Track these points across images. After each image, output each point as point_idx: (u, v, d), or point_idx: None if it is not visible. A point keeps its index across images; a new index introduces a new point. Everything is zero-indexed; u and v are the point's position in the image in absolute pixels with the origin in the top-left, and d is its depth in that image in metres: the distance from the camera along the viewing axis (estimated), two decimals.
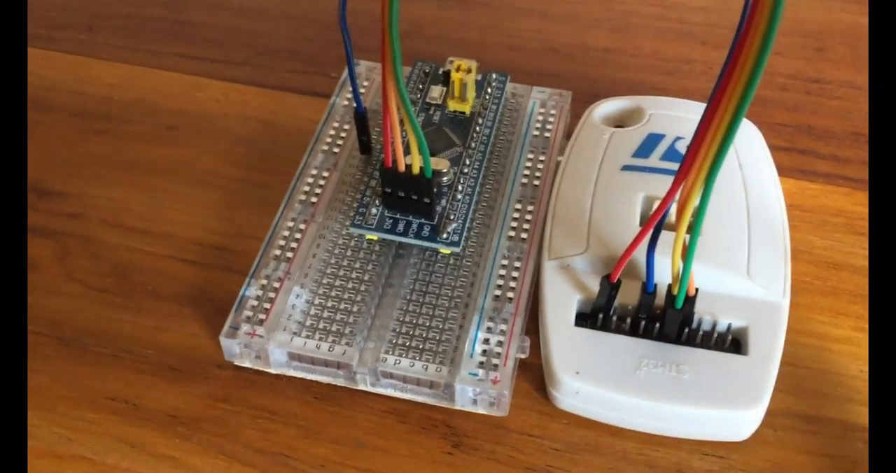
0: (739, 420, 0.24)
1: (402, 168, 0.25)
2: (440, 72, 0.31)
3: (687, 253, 0.22)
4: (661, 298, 0.24)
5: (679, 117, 0.30)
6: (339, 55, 0.35)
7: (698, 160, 0.21)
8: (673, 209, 0.22)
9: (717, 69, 0.35)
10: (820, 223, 0.29)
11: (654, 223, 0.23)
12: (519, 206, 0.28)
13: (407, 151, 0.25)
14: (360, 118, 0.29)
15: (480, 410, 0.25)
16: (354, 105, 0.29)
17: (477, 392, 0.24)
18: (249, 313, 0.26)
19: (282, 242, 0.27)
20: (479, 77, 0.31)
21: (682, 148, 0.29)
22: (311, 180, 0.29)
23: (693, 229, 0.22)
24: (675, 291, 0.24)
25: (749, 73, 0.19)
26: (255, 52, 0.36)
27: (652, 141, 0.29)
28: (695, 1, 0.37)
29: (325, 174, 0.29)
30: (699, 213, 0.21)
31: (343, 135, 0.31)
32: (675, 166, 0.28)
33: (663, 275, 0.24)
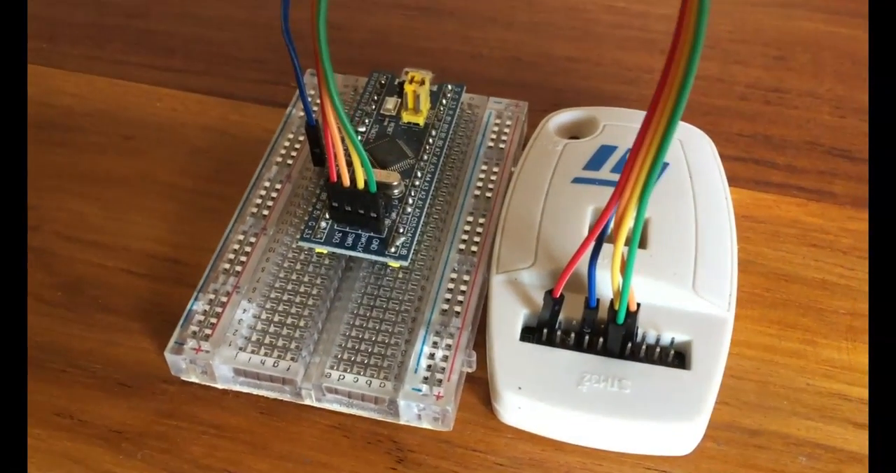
0: (681, 434, 0.24)
1: (346, 183, 0.25)
2: (396, 83, 0.31)
3: (626, 267, 0.22)
4: (604, 312, 0.24)
5: (632, 128, 0.29)
6: (302, 65, 0.35)
7: (634, 171, 0.21)
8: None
9: None
10: (772, 234, 0.29)
11: (595, 237, 0.23)
12: (471, 219, 0.28)
13: (352, 166, 0.26)
14: (312, 130, 0.29)
15: (425, 425, 0.25)
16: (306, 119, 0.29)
17: (421, 407, 0.24)
18: (196, 328, 0.26)
19: (231, 255, 0.27)
20: (435, 88, 0.31)
21: None
22: (263, 192, 0.29)
23: (631, 243, 0.22)
24: (617, 306, 0.24)
25: (681, 79, 0.19)
26: (216, 61, 0.36)
27: (604, 153, 0.29)
28: (657, 9, 0.37)
29: (278, 186, 0.29)
30: (636, 226, 0.21)
31: (297, 146, 0.31)
32: None
33: (607, 289, 0.24)
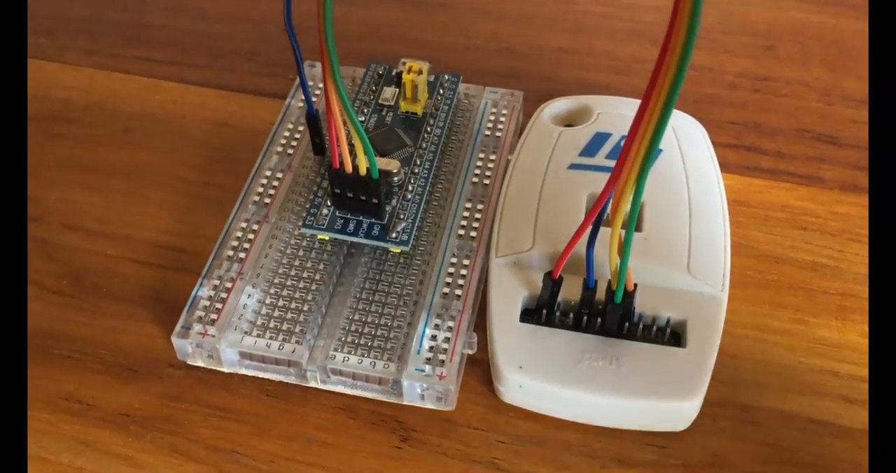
0: (677, 411, 0.25)
1: (349, 169, 0.26)
2: (393, 73, 0.32)
3: (623, 248, 0.23)
4: (602, 293, 0.25)
5: (626, 116, 0.30)
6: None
7: (630, 158, 0.21)
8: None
9: None
10: (763, 218, 0.30)
11: (592, 220, 0.23)
12: (469, 205, 0.29)
13: (355, 153, 0.26)
14: (312, 120, 0.29)
15: (428, 405, 0.25)
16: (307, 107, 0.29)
17: (424, 387, 0.25)
18: (201, 313, 0.26)
19: (235, 243, 0.28)
20: (432, 78, 0.32)
21: None
22: (265, 181, 0.30)
23: (628, 225, 0.22)
24: (615, 286, 0.24)
25: (674, 70, 0.20)
26: (214, 54, 0.36)
27: (599, 140, 0.30)
28: (646, 1, 0.38)
29: (279, 175, 0.30)
30: (632, 210, 0.22)
31: (297, 136, 0.31)
32: None
33: (605, 271, 0.25)
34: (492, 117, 0.32)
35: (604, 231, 0.24)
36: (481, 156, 0.30)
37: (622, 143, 0.29)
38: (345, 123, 0.24)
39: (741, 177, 0.31)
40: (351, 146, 0.25)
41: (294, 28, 0.26)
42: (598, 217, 0.23)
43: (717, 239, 0.27)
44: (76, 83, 0.35)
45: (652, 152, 0.21)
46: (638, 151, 0.21)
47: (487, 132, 0.31)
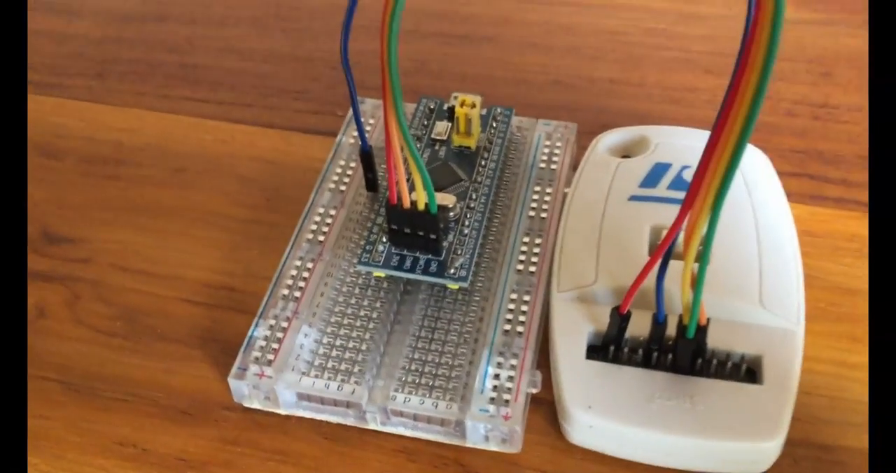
0: (759, 452, 0.23)
1: (406, 204, 0.25)
2: (445, 107, 0.31)
3: (696, 282, 0.22)
4: (672, 329, 0.24)
5: (685, 145, 0.30)
6: (345, 94, 0.35)
7: (703, 188, 0.21)
8: (681, 238, 0.22)
9: (722, 97, 0.35)
10: (832, 248, 0.29)
11: (663, 253, 0.22)
12: (527, 239, 0.28)
13: (412, 188, 0.25)
14: (366, 156, 0.29)
15: (493, 447, 0.24)
16: (360, 143, 0.29)
17: (488, 428, 0.24)
18: (258, 353, 0.25)
19: (289, 281, 0.27)
20: (484, 111, 0.31)
21: (689, 176, 0.28)
22: (318, 219, 0.29)
23: (702, 258, 0.22)
24: (686, 321, 0.23)
25: (751, 99, 0.19)
26: (261, 93, 0.36)
27: (658, 170, 0.29)
28: (697, 30, 0.37)
29: (332, 212, 0.29)
30: (707, 242, 0.21)
31: (349, 173, 0.31)
32: (682, 195, 0.28)
33: (674, 305, 0.24)
34: (546, 150, 0.31)
35: (672, 264, 0.23)
36: (537, 189, 0.30)
37: (684, 174, 0.29)
38: (405, 159, 0.24)
39: (806, 206, 0.30)
40: (408, 181, 0.25)
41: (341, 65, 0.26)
42: (668, 249, 0.22)
43: (789, 270, 0.26)
44: (126, 125, 0.35)
45: (727, 183, 0.20)
46: (711, 182, 0.20)
47: (542, 165, 0.31)
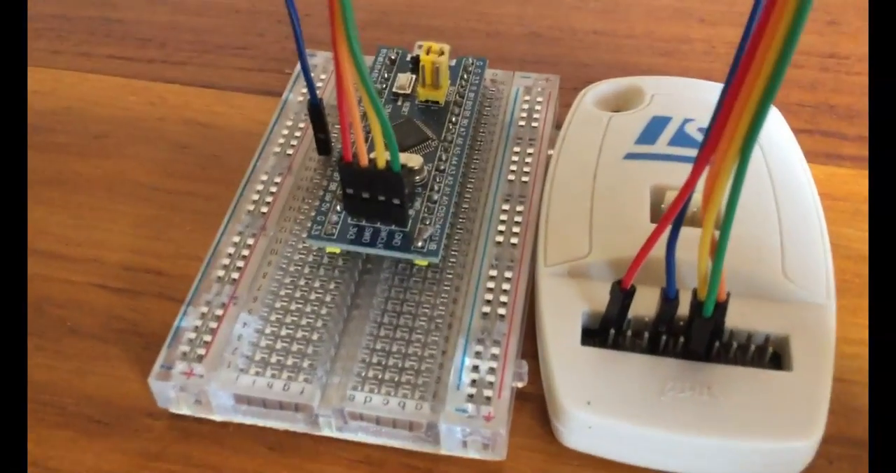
0: (791, 452, 0.20)
1: (364, 161, 0.21)
2: (408, 58, 0.27)
3: (717, 249, 0.18)
4: (684, 307, 0.20)
5: (685, 97, 0.26)
6: (293, 50, 0.31)
7: (725, 139, 0.17)
8: (695, 199, 0.18)
9: (720, 47, 0.31)
10: (853, 212, 0.25)
11: (674, 217, 0.18)
12: (506, 207, 0.24)
13: (372, 147, 0.21)
14: (316, 110, 0.24)
15: (472, 454, 0.20)
16: (308, 97, 0.25)
17: (467, 432, 0.20)
18: (186, 348, 0.21)
19: (226, 261, 0.23)
20: (453, 63, 0.27)
21: (692, 130, 0.25)
22: (260, 187, 0.25)
23: (725, 221, 0.18)
24: (703, 296, 0.19)
25: (792, 15, 0.15)
26: (197, 49, 0.32)
27: (657, 124, 0.25)
28: None
29: (278, 179, 0.25)
30: (731, 203, 0.17)
31: (298, 134, 0.26)
32: (686, 151, 0.24)
33: (685, 279, 0.20)
34: (525, 105, 0.27)
35: (683, 231, 0.19)
36: (516, 149, 0.26)
37: (686, 128, 0.25)
38: (359, 100, 0.19)
39: (822, 166, 0.27)
40: (367, 135, 0.21)
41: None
42: (681, 212, 0.18)
43: (814, 236, 0.23)
44: (40, 87, 0.30)
45: (756, 131, 0.17)
46: (735, 132, 0.17)
47: (522, 122, 0.26)
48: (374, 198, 0.22)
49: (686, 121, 0.25)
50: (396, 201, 0.22)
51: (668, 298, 0.20)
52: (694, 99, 0.26)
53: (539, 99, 0.27)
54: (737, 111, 0.17)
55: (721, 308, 0.20)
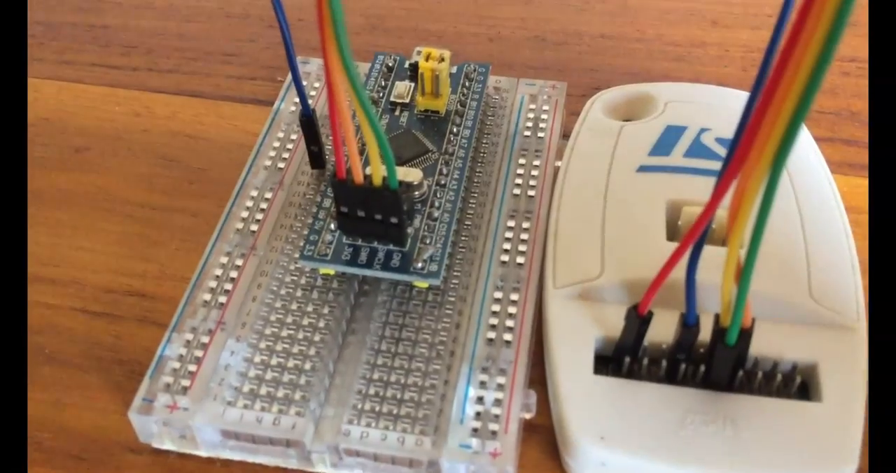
0: None
1: (359, 179, 0.19)
2: (406, 65, 0.26)
3: (743, 273, 0.17)
4: (705, 333, 0.19)
5: (701, 105, 0.24)
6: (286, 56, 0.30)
7: (754, 153, 0.16)
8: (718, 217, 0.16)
9: (735, 51, 0.29)
10: None
11: (697, 236, 0.17)
12: (512, 223, 0.23)
13: (367, 161, 0.20)
14: (308, 122, 0.23)
15: None
16: (301, 107, 0.23)
17: (472, 470, 0.18)
18: (169, 378, 0.20)
19: (212, 283, 0.21)
20: (454, 70, 0.25)
21: (709, 141, 0.23)
22: (250, 203, 0.23)
23: (752, 242, 0.16)
24: (727, 322, 0.18)
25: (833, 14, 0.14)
26: (184, 56, 0.30)
27: (671, 134, 0.23)
28: None
29: (268, 195, 0.23)
30: (759, 223, 0.16)
31: (289, 147, 0.25)
32: (703, 164, 0.23)
33: (704, 302, 0.18)
34: (530, 114, 0.25)
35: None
36: (521, 161, 0.24)
37: (703, 138, 0.23)
38: (352, 114, 0.18)
39: (845, 176, 0.25)
40: (362, 148, 0.19)
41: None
42: (704, 232, 0.17)
43: (842, 254, 0.21)
44: None
45: (789, 143, 0.15)
46: (765, 145, 0.15)
47: (527, 133, 0.25)
48: (370, 216, 0.20)
49: (702, 130, 0.23)
50: (394, 220, 0.20)
51: (688, 324, 0.18)
52: (710, 106, 0.24)
53: (545, 107, 0.26)
54: (768, 121, 0.15)
55: (746, 335, 0.18)
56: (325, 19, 0.15)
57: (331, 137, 0.24)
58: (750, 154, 0.15)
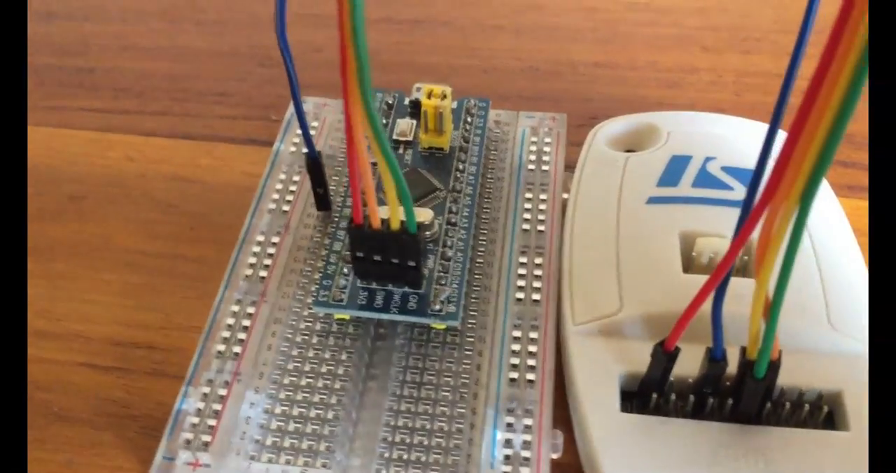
0: None
1: (376, 224, 0.19)
2: (406, 102, 0.25)
3: (772, 307, 0.17)
4: (732, 366, 0.19)
5: (703, 133, 0.25)
6: (279, 94, 0.30)
7: (783, 188, 0.16)
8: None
9: (727, 76, 0.30)
10: None
11: (725, 272, 0.17)
12: (524, 260, 0.22)
13: (380, 203, 0.19)
14: (314, 165, 0.23)
15: None
16: (305, 150, 0.23)
17: None
18: (189, 434, 0.19)
19: (225, 333, 0.21)
20: (454, 105, 0.25)
21: (715, 170, 0.23)
22: (257, 249, 0.23)
23: (781, 276, 0.16)
24: (754, 355, 0.18)
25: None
26: (175, 98, 0.30)
27: (677, 164, 0.24)
28: (687, 2, 0.32)
29: (275, 239, 0.23)
30: (788, 257, 0.16)
31: (293, 188, 0.24)
32: (712, 193, 0.23)
33: (727, 332, 0.18)
34: (533, 147, 0.25)
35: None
36: (528, 195, 0.24)
37: (709, 167, 0.23)
38: (372, 163, 0.18)
39: (845, 198, 0.25)
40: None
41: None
42: (731, 267, 0.17)
43: (856, 278, 0.21)
44: None
45: (818, 178, 0.15)
46: (795, 178, 0.15)
47: (531, 166, 0.25)
48: (386, 260, 0.20)
49: (707, 159, 0.23)
50: (412, 263, 0.20)
51: (716, 359, 0.18)
52: (712, 135, 0.24)
53: (547, 139, 0.26)
54: (797, 156, 0.15)
55: (774, 368, 0.18)
56: (350, 68, 0.15)
57: (335, 177, 0.24)
58: (778, 190, 0.16)
